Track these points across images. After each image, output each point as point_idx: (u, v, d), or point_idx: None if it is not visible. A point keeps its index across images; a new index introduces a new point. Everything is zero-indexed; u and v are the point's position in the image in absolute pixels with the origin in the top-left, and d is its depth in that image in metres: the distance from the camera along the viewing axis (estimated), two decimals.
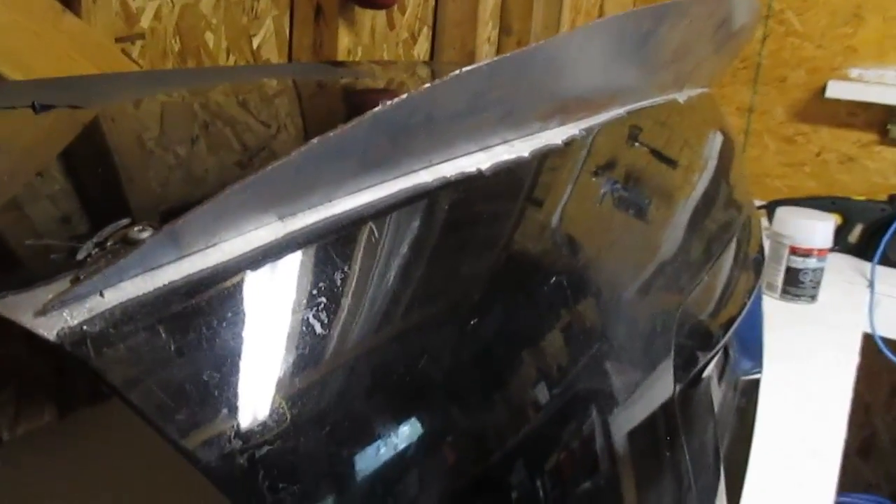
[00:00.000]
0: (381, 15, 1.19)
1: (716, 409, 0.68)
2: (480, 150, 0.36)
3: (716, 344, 0.54)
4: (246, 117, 0.50)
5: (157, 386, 0.21)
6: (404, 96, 0.27)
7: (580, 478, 0.36)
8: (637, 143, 0.51)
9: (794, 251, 1.27)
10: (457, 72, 0.28)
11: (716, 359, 0.65)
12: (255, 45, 0.99)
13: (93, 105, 0.50)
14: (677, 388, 0.45)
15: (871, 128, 1.76)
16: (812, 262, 1.27)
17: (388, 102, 0.26)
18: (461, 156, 0.34)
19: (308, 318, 0.25)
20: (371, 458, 0.25)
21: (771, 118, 1.89)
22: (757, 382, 0.86)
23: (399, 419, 0.26)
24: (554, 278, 0.35)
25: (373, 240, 0.28)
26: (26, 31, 0.65)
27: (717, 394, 0.72)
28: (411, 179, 0.31)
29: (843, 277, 1.44)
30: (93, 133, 0.43)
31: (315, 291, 0.25)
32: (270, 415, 0.23)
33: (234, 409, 0.22)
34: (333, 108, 0.62)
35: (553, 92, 0.39)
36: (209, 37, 0.92)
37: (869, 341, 1.30)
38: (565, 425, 0.34)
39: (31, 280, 0.22)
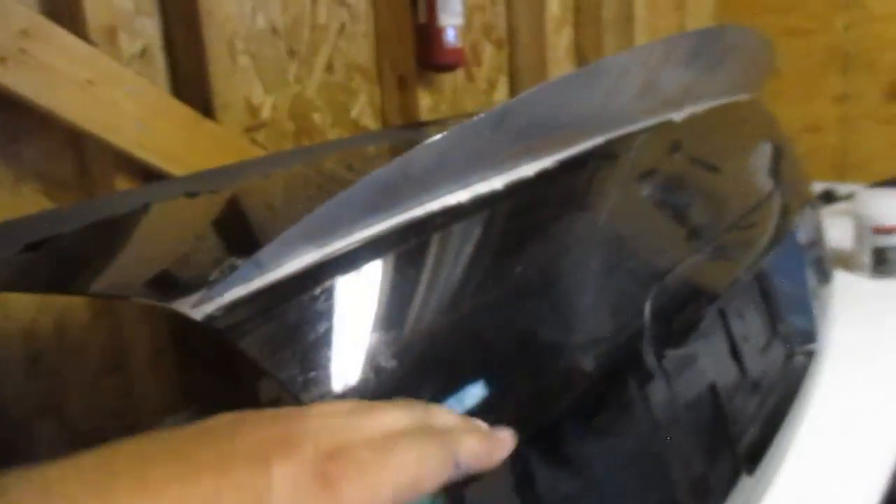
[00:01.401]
0: (461, 72, 1.39)
1: (751, 370, 0.79)
2: (462, 187, 0.53)
3: (699, 313, 0.67)
4: (323, 178, 0.70)
5: (254, 340, 0.40)
6: (383, 167, 0.45)
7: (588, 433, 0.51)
8: (608, 165, 0.66)
9: (877, 230, 1.32)
10: (421, 144, 0.46)
11: (746, 331, 0.77)
12: (353, 115, 1.21)
13: (224, 188, 0.72)
14: (657, 354, 0.59)
15: None
16: None
17: (375, 171, 0.44)
18: (445, 194, 0.52)
19: (336, 307, 0.43)
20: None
21: (867, 102, 1.90)
22: (810, 353, 0.95)
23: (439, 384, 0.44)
24: (526, 284, 0.51)
25: (378, 255, 0.46)
26: (181, 138, 0.90)
27: (759, 360, 0.84)
28: (407, 215, 0.49)
29: None
30: (221, 208, 0.64)
31: (342, 290, 0.43)
32: (318, 357, 0.41)
33: (301, 357, 0.40)
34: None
35: (516, 139, 0.55)
36: (316, 116, 1.16)
37: None
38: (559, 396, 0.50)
39: (187, 292, 0.41)
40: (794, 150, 1.23)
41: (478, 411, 0.44)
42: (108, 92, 0.82)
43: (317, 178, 0.82)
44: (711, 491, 0.63)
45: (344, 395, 0.39)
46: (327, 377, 0.40)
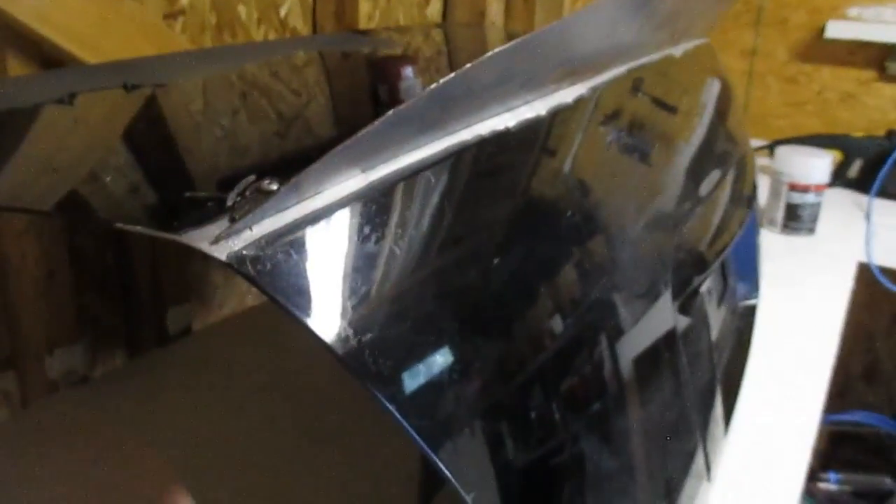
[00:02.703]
0: None
1: (713, 327, 0.77)
2: (507, 111, 0.44)
3: (707, 266, 0.63)
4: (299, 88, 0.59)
5: (292, 289, 0.30)
6: (452, 75, 0.35)
7: (596, 384, 0.45)
8: (637, 96, 0.60)
9: (793, 187, 1.35)
10: (490, 53, 0.36)
11: (710, 280, 0.74)
12: (281, 14, 1.07)
13: (172, 83, 0.59)
14: (675, 302, 0.54)
15: (870, 65, 1.82)
16: (810, 198, 1.35)
17: (441, 80, 0.35)
18: (492, 117, 0.43)
19: (389, 243, 0.34)
20: (438, 348, 0.34)
21: (773, 59, 1.94)
22: (754, 308, 0.95)
23: (458, 319, 0.35)
24: (567, 215, 0.44)
25: (430, 185, 0.37)
26: (92, 16, 0.73)
27: (717, 315, 0.82)
28: (455, 138, 0.40)
29: (842, 211, 1.52)
30: (184, 107, 0.52)
31: (391, 222, 0.34)
32: (369, 312, 0.32)
33: (344, 307, 0.31)
34: (362, 79, 0.71)
35: (564, 61, 0.47)
36: (241, 9, 1.00)
37: (867, 271, 1.38)
38: (584, 341, 0.43)
39: (200, 220, 0.31)
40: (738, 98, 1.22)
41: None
42: None
43: (267, 84, 0.69)
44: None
45: (428, 370, 0.31)
46: (398, 346, 0.31)
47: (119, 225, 0.31)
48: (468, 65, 0.36)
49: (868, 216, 1.48)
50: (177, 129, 0.48)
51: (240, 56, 0.75)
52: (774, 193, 1.38)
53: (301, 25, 1.10)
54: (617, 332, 0.45)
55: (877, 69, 1.82)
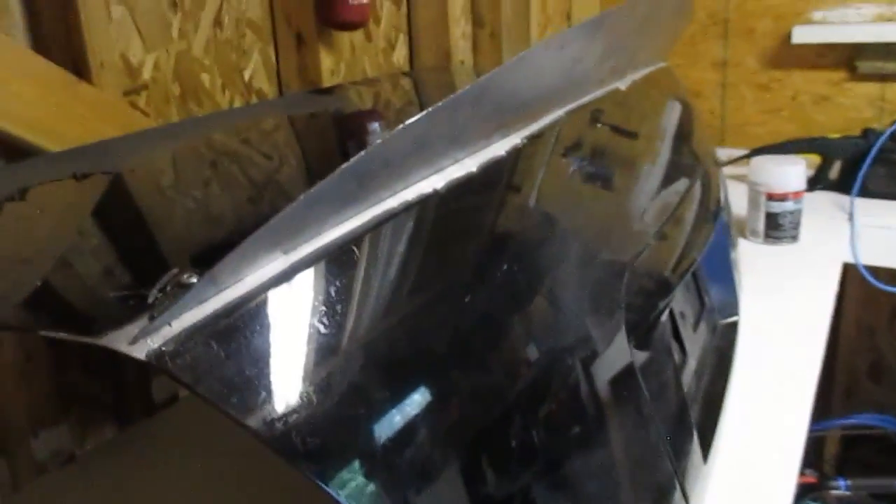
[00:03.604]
0: (359, 31, 1.28)
1: (690, 351, 0.78)
2: (435, 172, 0.45)
3: (670, 291, 0.64)
4: (249, 156, 0.60)
5: (214, 380, 0.31)
6: (362, 153, 0.36)
7: (557, 424, 0.45)
8: (579, 138, 0.61)
9: (771, 196, 1.36)
10: (401, 126, 0.38)
11: (682, 303, 0.75)
12: (246, 77, 1.09)
13: (120, 167, 0.60)
14: (632, 336, 0.54)
15: (840, 66, 1.83)
16: (789, 205, 1.36)
17: (353, 158, 0.36)
18: (419, 181, 0.44)
19: (314, 323, 0.34)
20: (369, 420, 0.35)
21: (745, 69, 1.96)
22: (734, 325, 0.95)
23: (388, 388, 0.36)
24: (503, 273, 0.44)
25: (355, 257, 0.38)
26: (49, 104, 0.75)
27: (693, 338, 0.82)
28: (381, 207, 0.41)
29: (825, 214, 1.52)
30: (127, 193, 0.53)
31: (316, 302, 0.35)
32: (295, 393, 0.33)
33: (269, 392, 0.32)
34: (326, 141, 0.72)
35: (491, 115, 0.48)
36: (205, 77, 1.02)
37: (856, 271, 1.38)
38: (537, 388, 0.44)
39: (121, 320, 0.32)
40: (700, 115, 1.23)
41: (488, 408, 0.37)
42: None
43: (212, 157, 0.71)
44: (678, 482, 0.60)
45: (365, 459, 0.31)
46: (332, 437, 0.31)
47: (42, 332, 0.32)
48: (378, 140, 0.37)
49: (851, 217, 1.48)
50: (122, 217, 0.50)
51: (196, 128, 0.76)
52: (753, 204, 1.39)
53: (266, 87, 1.12)
54: (566, 382, 0.45)
55: (847, 69, 1.83)
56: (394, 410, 0.36)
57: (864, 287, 1.42)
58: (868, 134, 1.60)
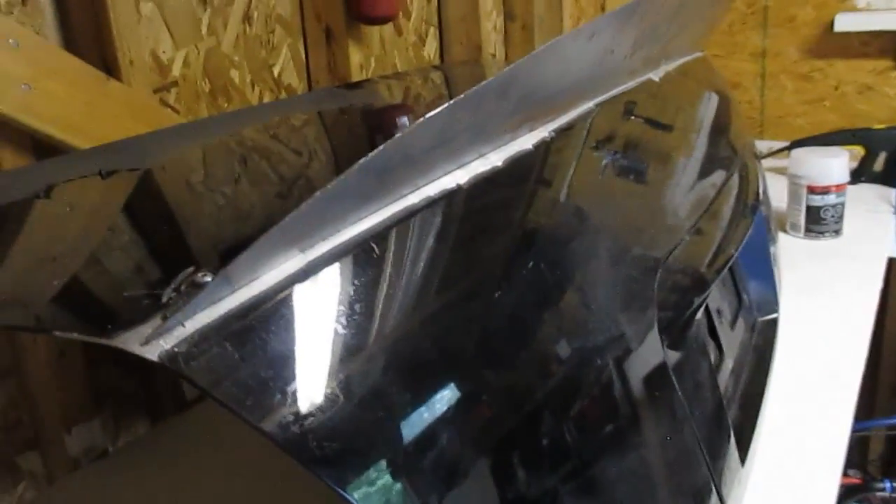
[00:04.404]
0: (389, 24, 1.27)
1: (727, 350, 0.75)
2: (458, 167, 0.44)
3: (705, 288, 0.61)
4: (276, 152, 0.59)
5: (230, 383, 0.30)
6: (381, 147, 0.35)
7: (585, 431, 0.44)
8: (610, 131, 0.59)
9: (812, 190, 1.31)
10: (421, 119, 0.36)
11: (719, 300, 0.72)
12: (275, 73, 1.08)
13: (147, 164, 0.60)
14: (664, 338, 0.53)
15: (885, 54, 1.77)
16: (831, 199, 1.31)
17: (370, 154, 0.35)
18: (442, 176, 0.43)
19: (332, 323, 0.33)
20: (388, 424, 0.34)
21: (785, 58, 1.91)
22: (774, 322, 0.92)
23: (408, 391, 0.35)
24: (530, 275, 0.43)
25: (374, 255, 0.37)
26: (79, 102, 0.75)
27: (730, 336, 0.79)
28: (402, 203, 0.40)
29: (869, 207, 1.47)
30: (152, 190, 0.53)
31: (334, 302, 0.34)
32: (312, 397, 0.32)
33: (284, 395, 0.31)
34: (354, 136, 0.71)
35: (518, 107, 0.47)
36: (234, 73, 1.02)
37: None
38: (565, 389, 0.42)
39: (134, 320, 0.31)
40: (738, 106, 1.20)
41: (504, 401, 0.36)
42: None
43: (239, 153, 0.70)
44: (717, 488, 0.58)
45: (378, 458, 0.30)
46: (349, 441, 0.30)
47: (56, 333, 0.31)
48: (398, 133, 0.36)
49: None
50: (146, 216, 0.49)
51: (222, 124, 0.76)
52: (794, 197, 1.35)
53: (296, 82, 1.12)
54: (596, 382, 0.44)
55: (892, 58, 1.77)
56: (414, 414, 0.34)
57: None
58: None
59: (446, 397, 0.36)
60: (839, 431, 0.82)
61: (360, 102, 0.85)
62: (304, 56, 1.13)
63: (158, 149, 0.66)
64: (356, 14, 1.07)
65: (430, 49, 1.40)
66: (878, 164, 1.58)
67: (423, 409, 0.35)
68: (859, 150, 1.57)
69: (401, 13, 1.28)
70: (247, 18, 1.03)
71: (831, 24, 1.78)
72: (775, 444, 0.77)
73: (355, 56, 1.12)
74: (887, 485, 1.33)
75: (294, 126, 0.72)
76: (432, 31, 1.40)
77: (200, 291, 0.31)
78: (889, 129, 1.58)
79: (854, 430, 0.86)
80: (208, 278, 0.32)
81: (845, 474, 1.44)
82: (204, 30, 0.97)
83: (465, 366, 0.38)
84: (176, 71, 0.94)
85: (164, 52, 0.92)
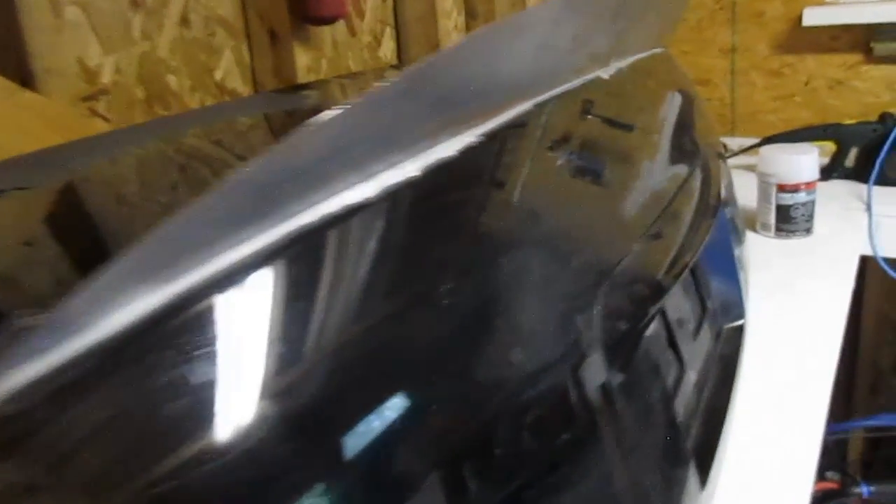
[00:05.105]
0: (341, 24, 1.22)
1: (690, 361, 0.71)
2: (365, 179, 0.39)
3: (656, 301, 0.57)
4: (186, 159, 0.54)
5: (41, 447, 0.25)
6: (259, 159, 0.30)
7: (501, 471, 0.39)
8: (547, 133, 0.54)
9: (782, 188, 1.28)
10: (305, 126, 0.31)
11: (677, 309, 0.68)
12: (217, 77, 1.03)
13: (47, 180, 0.55)
14: (609, 356, 0.48)
15: (855, 48, 1.75)
16: (801, 197, 1.28)
17: (243, 168, 0.30)
18: (344, 189, 0.38)
19: (185, 377, 0.28)
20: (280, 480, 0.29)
21: (755, 54, 1.88)
22: (741, 329, 0.88)
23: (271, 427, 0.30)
24: (447, 286, 0.38)
25: (251, 288, 0.32)
26: None
27: (695, 347, 0.75)
28: (293, 223, 0.35)
29: (841, 204, 1.44)
30: (30, 214, 0.47)
31: (192, 349, 0.29)
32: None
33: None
34: (262, 146, 0.66)
35: (434, 111, 0.42)
36: (171, 79, 0.97)
37: (875, 264, 1.30)
38: (475, 429, 0.37)
39: None
40: (702, 104, 1.16)
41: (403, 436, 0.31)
42: None
43: (178, 159, 0.65)
44: None
45: None
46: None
47: None
48: (280, 144, 0.31)
49: (869, 206, 1.40)
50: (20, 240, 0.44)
51: (131, 136, 0.71)
52: (764, 196, 1.31)
53: (240, 87, 1.06)
54: (520, 416, 0.39)
55: (863, 52, 1.75)
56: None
57: (885, 280, 1.35)
58: (886, 119, 1.52)
59: (346, 421, 0.31)
60: (811, 437, 0.78)
61: (288, 107, 0.80)
62: (249, 60, 1.07)
63: (67, 161, 0.60)
64: (301, 14, 1.02)
65: (387, 49, 1.35)
66: (850, 159, 1.55)
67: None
68: (830, 146, 1.54)
69: (354, 13, 1.23)
70: (184, 21, 0.98)
71: (800, 18, 1.75)
72: (744, 454, 0.74)
73: (302, 58, 1.07)
74: (864, 489, 1.30)
75: (205, 135, 0.67)
76: (388, 30, 1.35)
77: (25, 339, 0.26)
78: (860, 123, 1.55)
79: (831, 432, 0.82)
80: (36, 322, 0.27)
81: (823, 477, 1.41)
82: (136, 34, 0.92)
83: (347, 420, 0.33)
84: (105, 78, 0.89)
85: (91, 58, 0.86)
